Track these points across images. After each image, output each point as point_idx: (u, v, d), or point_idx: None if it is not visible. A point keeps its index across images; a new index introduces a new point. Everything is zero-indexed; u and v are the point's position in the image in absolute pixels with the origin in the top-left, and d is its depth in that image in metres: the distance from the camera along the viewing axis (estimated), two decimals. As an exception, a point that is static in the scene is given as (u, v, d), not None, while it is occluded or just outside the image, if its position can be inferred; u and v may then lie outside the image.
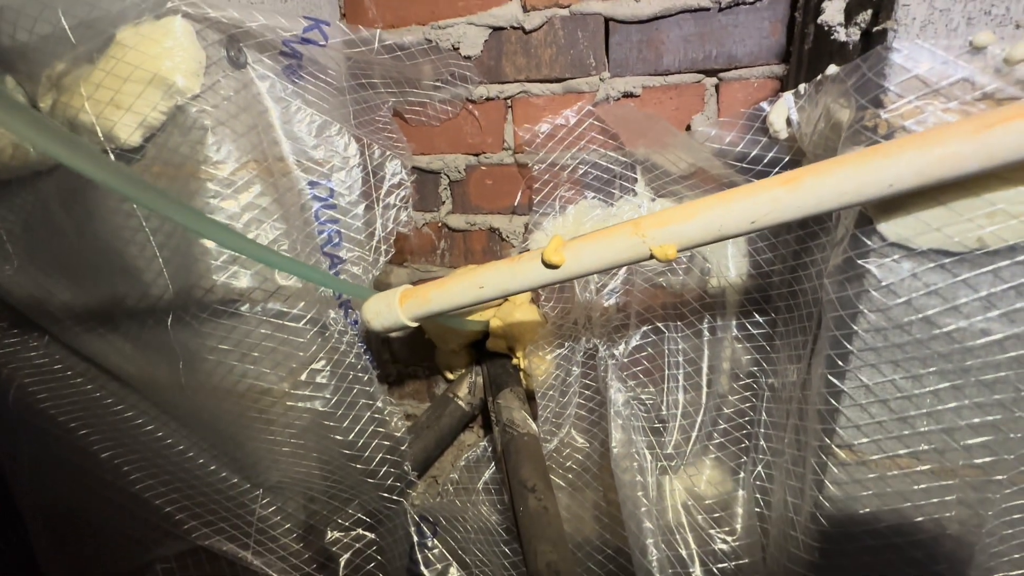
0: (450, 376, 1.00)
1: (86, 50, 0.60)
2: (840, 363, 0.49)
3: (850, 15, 0.46)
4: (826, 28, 0.49)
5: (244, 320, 0.66)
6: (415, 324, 0.61)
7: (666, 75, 0.77)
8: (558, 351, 0.82)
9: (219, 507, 0.75)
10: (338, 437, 0.71)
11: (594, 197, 0.83)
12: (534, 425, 0.79)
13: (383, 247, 0.76)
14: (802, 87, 0.56)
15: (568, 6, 0.78)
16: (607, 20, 0.77)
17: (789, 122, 0.60)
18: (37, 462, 0.76)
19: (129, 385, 0.75)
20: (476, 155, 0.90)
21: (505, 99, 0.86)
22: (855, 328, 0.47)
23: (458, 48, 0.83)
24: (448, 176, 0.92)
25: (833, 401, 0.50)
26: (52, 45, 0.61)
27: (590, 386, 0.80)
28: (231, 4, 0.61)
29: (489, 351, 0.92)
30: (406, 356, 1.06)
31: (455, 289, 0.56)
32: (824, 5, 0.48)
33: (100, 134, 0.60)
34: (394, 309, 0.60)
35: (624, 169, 0.81)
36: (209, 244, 0.63)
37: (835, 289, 0.49)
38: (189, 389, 0.69)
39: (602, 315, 0.79)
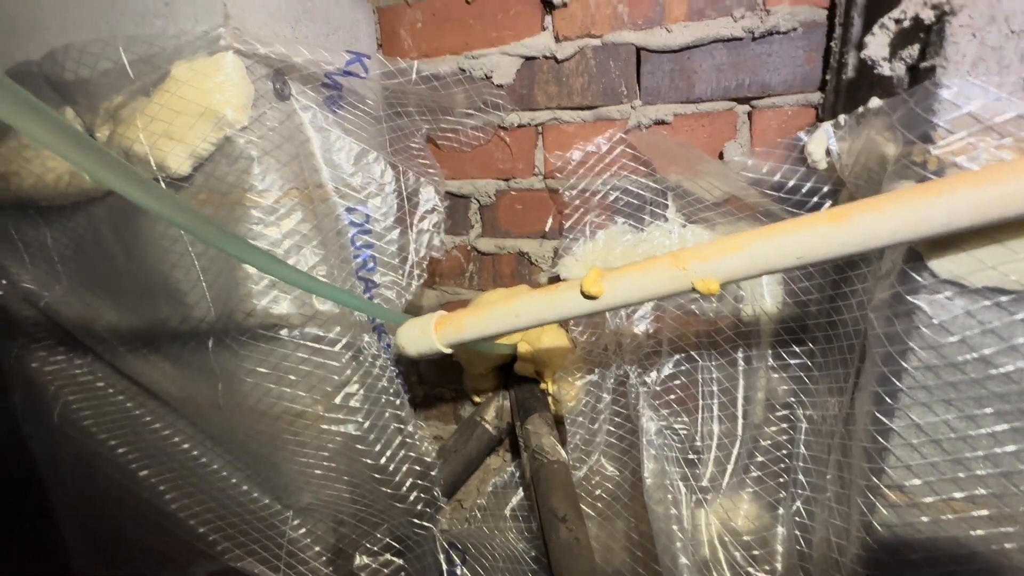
0: (477, 399, 1.00)
1: (142, 84, 0.63)
2: (889, 400, 0.47)
3: (895, 50, 0.46)
4: (869, 62, 0.48)
5: (281, 344, 0.67)
6: (449, 351, 0.62)
7: (698, 103, 0.78)
8: (587, 377, 0.81)
9: (251, 528, 0.76)
10: (369, 460, 0.71)
11: (624, 223, 0.83)
12: (563, 452, 0.78)
13: (416, 271, 0.77)
14: (842, 118, 0.56)
15: (600, 36, 0.79)
16: (639, 50, 0.78)
17: (828, 152, 0.59)
18: (78, 478, 0.78)
19: (168, 405, 0.77)
20: (506, 180, 0.91)
21: (536, 126, 0.87)
22: (905, 365, 0.46)
23: (491, 77, 0.85)
24: (478, 200, 0.93)
25: (881, 439, 0.48)
26: (112, 79, 0.64)
27: (620, 413, 0.79)
28: (278, 39, 0.64)
29: (517, 375, 0.92)
30: (433, 378, 1.07)
31: (490, 317, 0.56)
32: (867, 39, 0.48)
33: (153, 163, 0.63)
34: (429, 336, 0.60)
35: (655, 195, 0.81)
36: (250, 270, 0.64)
37: (882, 324, 0.48)
38: (226, 410, 0.71)
39: (633, 341, 0.78)
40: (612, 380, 0.80)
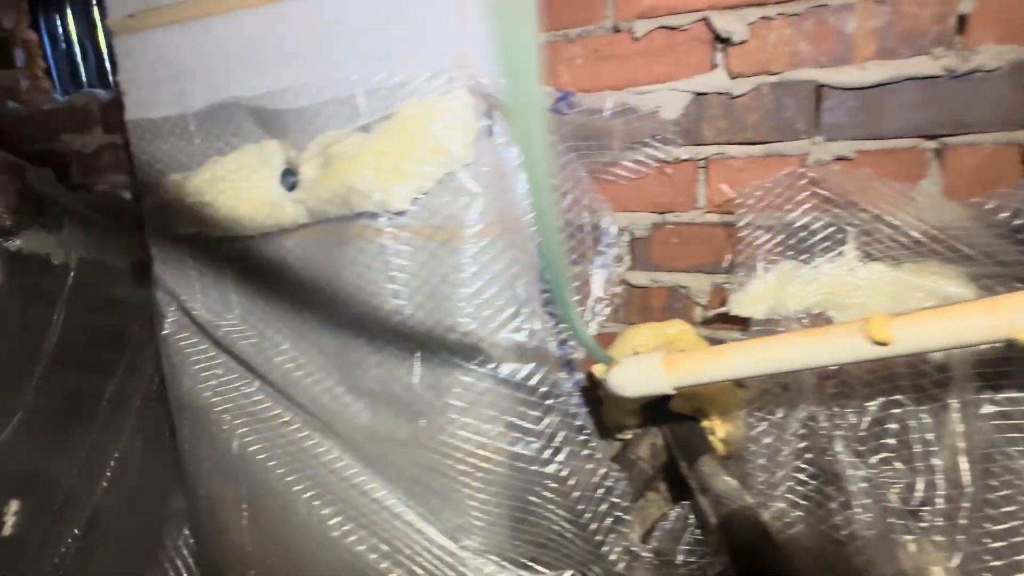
0: (620, 436, 0.98)
1: (367, 122, 0.64)
2: None
3: None
4: None
5: (482, 377, 0.66)
6: (674, 391, 0.60)
7: (883, 139, 0.77)
8: (766, 416, 0.79)
9: (424, 568, 0.73)
10: (560, 500, 0.69)
11: (798, 259, 0.81)
12: (748, 496, 0.75)
13: (597, 306, 0.76)
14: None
15: (778, 73, 0.79)
16: (819, 86, 0.78)
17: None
18: (258, 510, 0.76)
19: (345, 439, 0.76)
20: (662, 213, 0.91)
21: (699, 160, 0.86)
22: None
23: (657, 112, 0.86)
24: (632, 233, 0.93)
25: None
26: (330, 117, 0.66)
27: (807, 457, 0.75)
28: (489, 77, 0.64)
29: (667, 412, 0.89)
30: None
31: (738, 360, 0.55)
32: None
33: (375, 197, 0.63)
34: (657, 376, 0.59)
35: (831, 231, 0.79)
36: (464, 291, 0.63)
37: None
38: (419, 446, 0.69)
39: (822, 380, 0.75)
40: (794, 420, 0.77)
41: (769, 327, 0.81)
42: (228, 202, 0.74)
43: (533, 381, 0.66)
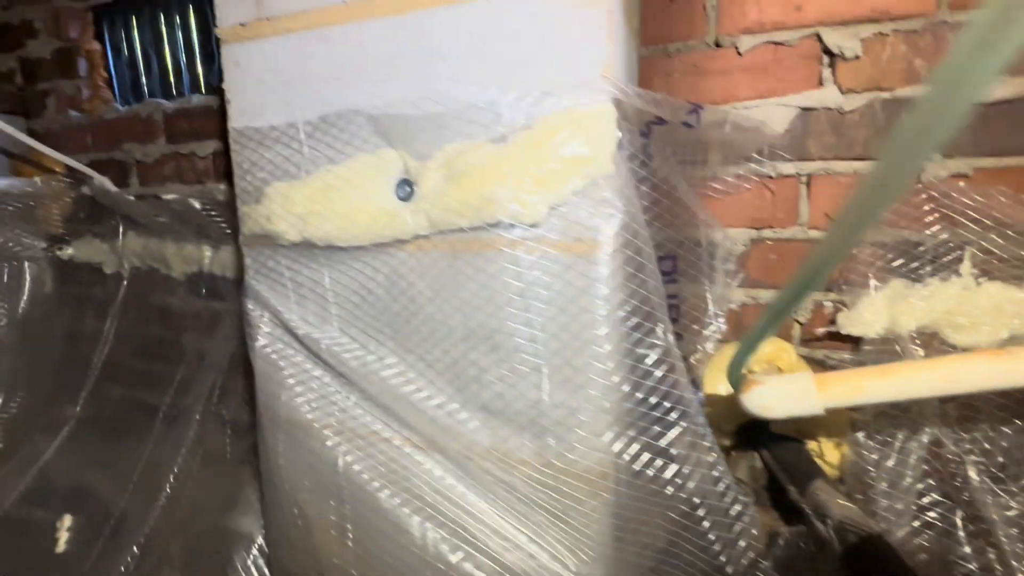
0: (713, 456, 0.95)
1: (504, 131, 0.63)
2: None
3: None
4: None
5: (611, 392, 0.64)
6: (823, 412, 0.58)
7: (1001, 156, 0.76)
8: (884, 439, 0.76)
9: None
10: (690, 524, 0.66)
11: (910, 277, 0.79)
12: (873, 523, 0.72)
13: (713, 324, 0.74)
14: None
15: (890, 90, 0.79)
16: (934, 103, 0.77)
17: None
18: (364, 530, 0.73)
19: (450, 454, 0.73)
20: (759, 229, 0.89)
21: (803, 175, 0.85)
22: None
23: (760, 127, 0.85)
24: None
25: None
26: (471, 120, 0.64)
27: (931, 482, 0.73)
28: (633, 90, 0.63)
29: (767, 433, 0.86)
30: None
31: (908, 380, 0.52)
32: None
33: (511, 208, 0.62)
34: (808, 396, 0.56)
35: (948, 249, 0.77)
36: (600, 304, 0.62)
37: None
38: (537, 462, 0.66)
39: (944, 402, 0.73)
40: (917, 444, 0.74)
41: (883, 347, 0.79)
42: (340, 211, 0.73)
43: (664, 398, 0.64)
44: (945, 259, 0.78)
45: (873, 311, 0.80)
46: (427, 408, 0.72)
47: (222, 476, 1.17)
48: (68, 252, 1.57)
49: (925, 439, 0.74)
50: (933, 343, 0.78)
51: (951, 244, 0.77)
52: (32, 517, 1.28)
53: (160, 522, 1.12)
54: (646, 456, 0.64)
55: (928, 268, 0.79)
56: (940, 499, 0.73)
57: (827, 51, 0.81)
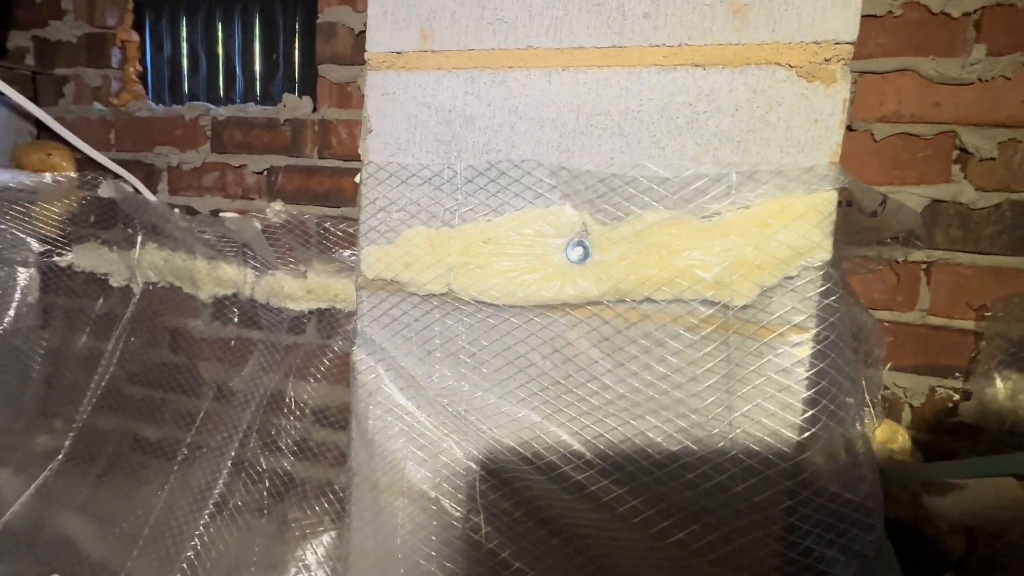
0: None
1: (715, 208, 0.59)
2: None
3: None
4: None
5: (804, 488, 0.60)
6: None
7: (1118, 266, 0.80)
8: None
9: None
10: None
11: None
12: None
13: (872, 412, 0.72)
14: None
15: (1020, 192, 0.82)
16: (1060, 209, 0.81)
17: None
18: None
19: (601, 530, 0.66)
20: (875, 310, 0.90)
21: (924, 263, 0.87)
22: None
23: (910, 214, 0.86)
24: (845, 327, 0.91)
25: None
26: (673, 189, 0.61)
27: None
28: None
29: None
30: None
31: None
32: None
33: (715, 289, 0.58)
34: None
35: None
36: (798, 396, 0.59)
37: None
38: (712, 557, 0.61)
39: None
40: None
41: (1006, 439, 0.81)
42: (503, 267, 0.66)
43: (864, 498, 0.61)
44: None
45: (996, 404, 0.82)
46: (575, 478, 0.66)
47: (257, 537, 1.03)
48: (67, 259, 1.37)
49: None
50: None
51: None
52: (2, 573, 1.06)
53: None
54: (843, 560, 0.60)
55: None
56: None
57: (962, 148, 0.84)
